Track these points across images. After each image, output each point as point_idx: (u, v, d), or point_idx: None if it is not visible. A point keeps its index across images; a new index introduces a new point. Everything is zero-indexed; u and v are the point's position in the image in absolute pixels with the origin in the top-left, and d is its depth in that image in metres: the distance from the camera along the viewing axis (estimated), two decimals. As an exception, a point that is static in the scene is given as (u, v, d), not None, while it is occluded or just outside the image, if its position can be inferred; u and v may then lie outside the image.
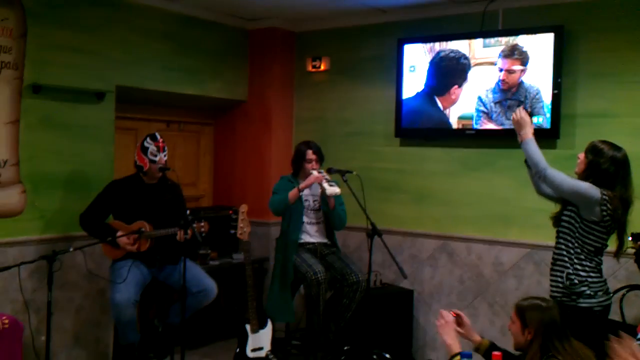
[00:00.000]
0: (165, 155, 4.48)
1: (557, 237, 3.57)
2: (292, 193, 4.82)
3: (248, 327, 4.63)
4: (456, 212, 5.26)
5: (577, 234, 3.45)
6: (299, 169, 5.04)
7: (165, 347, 4.75)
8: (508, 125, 4.91)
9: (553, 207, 4.81)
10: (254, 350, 4.63)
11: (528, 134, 3.60)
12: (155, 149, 4.43)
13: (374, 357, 4.70)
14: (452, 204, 5.28)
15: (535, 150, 3.57)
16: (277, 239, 5.09)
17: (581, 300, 3.39)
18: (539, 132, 4.73)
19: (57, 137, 4.65)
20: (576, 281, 3.39)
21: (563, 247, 3.51)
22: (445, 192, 5.31)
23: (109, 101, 4.95)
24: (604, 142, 3.53)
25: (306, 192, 4.97)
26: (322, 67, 6.00)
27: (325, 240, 5.08)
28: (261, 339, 4.67)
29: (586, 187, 3.39)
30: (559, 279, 3.47)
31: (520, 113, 3.65)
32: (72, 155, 4.73)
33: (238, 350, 4.64)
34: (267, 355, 4.66)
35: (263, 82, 6.08)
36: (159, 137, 4.50)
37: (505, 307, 5.00)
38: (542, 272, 4.85)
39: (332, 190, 4.76)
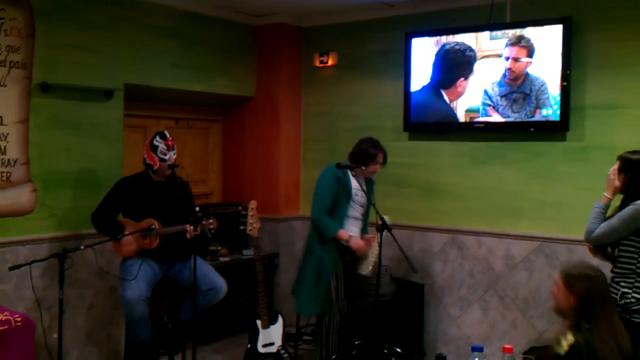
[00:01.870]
0: (174, 154, 4.49)
1: (618, 256, 3.48)
2: (342, 237, 4.62)
3: (259, 322, 4.64)
4: (466, 206, 5.24)
5: None
6: (357, 164, 4.71)
7: (176, 344, 4.77)
8: (513, 118, 4.90)
9: (562, 198, 4.81)
10: (265, 345, 4.64)
11: (603, 197, 3.55)
12: (165, 147, 4.44)
13: (385, 351, 4.70)
14: (461, 197, 5.27)
15: (592, 216, 3.52)
16: (314, 228, 4.78)
17: (636, 316, 3.33)
18: (547, 125, 4.76)
19: (66, 135, 4.67)
20: (633, 300, 3.34)
21: (625, 266, 3.42)
22: (454, 186, 5.30)
23: (118, 99, 4.96)
24: (633, 152, 3.52)
25: (356, 185, 4.73)
26: (330, 62, 5.99)
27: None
28: (272, 335, 4.68)
29: (632, 211, 3.35)
30: (614, 296, 3.38)
31: (614, 173, 3.55)
32: (81, 153, 4.75)
33: (249, 345, 4.65)
34: (278, 351, 4.67)
35: (271, 78, 6.09)
36: (168, 135, 4.50)
37: (516, 300, 4.99)
38: (552, 265, 4.83)
39: (367, 269, 4.67)
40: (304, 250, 4.91)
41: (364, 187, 4.76)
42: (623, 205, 3.48)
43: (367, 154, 4.70)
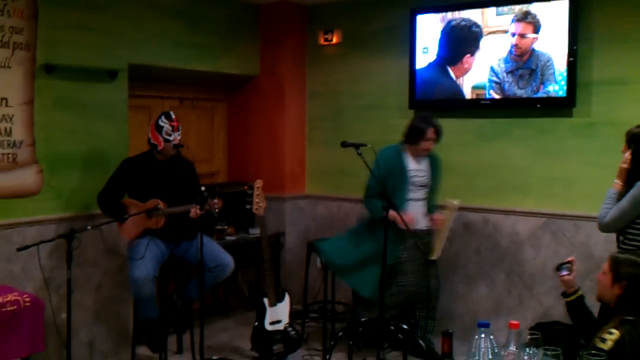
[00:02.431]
0: (179, 135, 4.48)
1: (625, 238, 3.47)
2: (390, 217, 4.16)
3: (266, 300, 4.66)
4: (472, 183, 5.24)
5: None
6: (411, 143, 4.60)
7: (184, 322, 4.80)
8: (520, 94, 4.87)
9: (569, 175, 4.80)
10: (272, 323, 4.66)
11: (615, 183, 3.52)
12: (170, 128, 4.43)
13: (392, 328, 4.72)
14: (467, 174, 5.26)
15: (604, 202, 3.48)
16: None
17: None
18: (553, 101, 4.73)
19: (72, 116, 4.66)
20: None
21: (632, 247, 3.40)
22: (460, 163, 5.28)
23: (122, 79, 4.95)
24: (638, 126, 3.52)
25: (413, 166, 4.59)
26: (334, 40, 5.96)
27: (425, 225, 4.67)
28: (279, 312, 4.70)
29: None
30: None
31: (626, 162, 3.52)
32: (86, 134, 4.75)
33: (256, 323, 4.67)
34: (285, 328, 4.70)
35: (275, 56, 6.06)
36: (173, 116, 4.49)
37: (523, 276, 5.00)
38: (559, 241, 4.83)
39: (437, 253, 4.48)
40: (363, 228, 4.73)
41: (424, 166, 4.61)
42: (630, 180, 3.46)
43: (415, 130, 4.55)
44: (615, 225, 3.45)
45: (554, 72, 4.69)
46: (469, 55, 5.09)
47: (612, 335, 2.65)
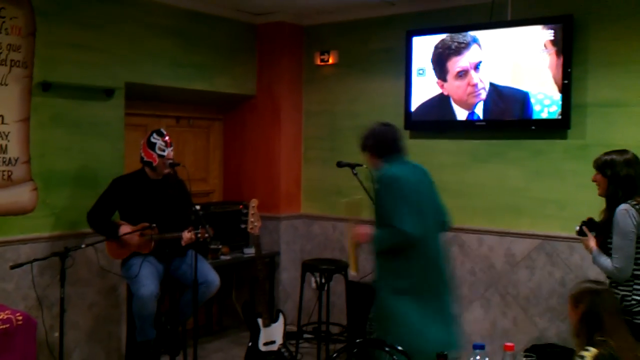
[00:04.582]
0: (172, 150, 4.49)
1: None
2: None
3: (260, 321, 4.64)
4: (467, 204, 5.24)
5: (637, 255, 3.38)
6: None
7: (177, 343, 4.77)
8: (514, 116, 4.90)
9: (564, 196, 4.81)
10: (266, 344, 4.64)
11: (592, 249, 3.54)
12: (163, 144, 4.44)
13: (387, 349, 4.70)
14: (462, 195, 5.26)
15: (600, 263, 3.46)
16: None
17: (638, 317, 3.32)
18: (548, 123, 4.75)
19: (67, 134, 4.67)
20: (633, 302, 3.33)
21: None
22: (455, 184, 5.29)
23: (119, 98, 4.96)
24: (608, 152, 3.52)
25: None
26: (331, 61, 5.99)
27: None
28: (273, 333, 4.68)
29: (626, 223, 3.34)
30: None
31: (585, 241, 3.60)
32: (82, 152, 4.75)
33: (250, 344, 4.65)
34: (279, 349, 4.67)
35: (272, 76, 6.08)
36: (165, 132, 4.51)
37: (517, 298, 4.98)
38: (554, 263, 4.83)
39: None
40: None
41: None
42: (610, 206, 3.46)
43: None
44: (628, 264, 3.36)
45: (550, 95, 4.71)
46: (464, 76, 5.11)
47: (589, 352, 2.71)
